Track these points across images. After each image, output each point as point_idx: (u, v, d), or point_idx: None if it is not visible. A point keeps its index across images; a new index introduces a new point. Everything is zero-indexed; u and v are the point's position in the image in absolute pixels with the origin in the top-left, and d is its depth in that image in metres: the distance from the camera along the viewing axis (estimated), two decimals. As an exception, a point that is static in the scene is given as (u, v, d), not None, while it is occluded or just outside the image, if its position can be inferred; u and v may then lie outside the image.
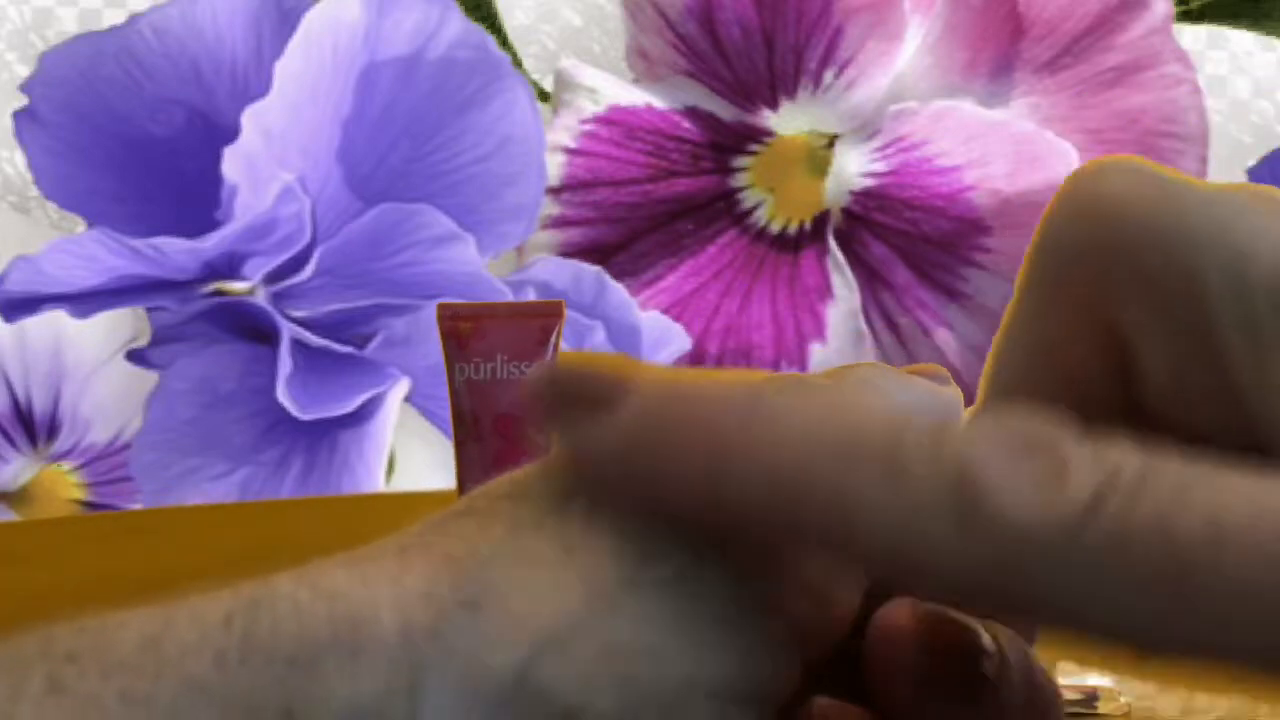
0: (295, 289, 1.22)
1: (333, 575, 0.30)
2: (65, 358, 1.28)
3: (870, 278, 1.33)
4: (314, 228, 1.20)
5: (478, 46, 1.22)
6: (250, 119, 1.17)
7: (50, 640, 0.30)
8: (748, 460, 0.26)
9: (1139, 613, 0.24)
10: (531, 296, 1.21)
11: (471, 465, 0.68)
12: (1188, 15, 1.38)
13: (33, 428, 1.28)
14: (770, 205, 1.34)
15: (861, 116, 1.31)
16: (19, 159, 1.24)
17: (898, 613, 0.32)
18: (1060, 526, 0.24)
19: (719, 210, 1.34)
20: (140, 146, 1.22)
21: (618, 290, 1.25)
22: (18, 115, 1.22)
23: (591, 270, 1.26)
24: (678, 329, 1.28)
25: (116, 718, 0.27)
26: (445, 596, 0.28)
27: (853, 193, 1.32)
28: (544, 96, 1.31)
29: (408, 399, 1.24)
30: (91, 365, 1.28)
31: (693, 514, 0.28)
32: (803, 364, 1.33)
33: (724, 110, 1.32)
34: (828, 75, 1.30)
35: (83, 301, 1.19)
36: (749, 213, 1.34)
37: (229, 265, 1.20)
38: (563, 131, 1.30)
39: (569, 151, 1.30)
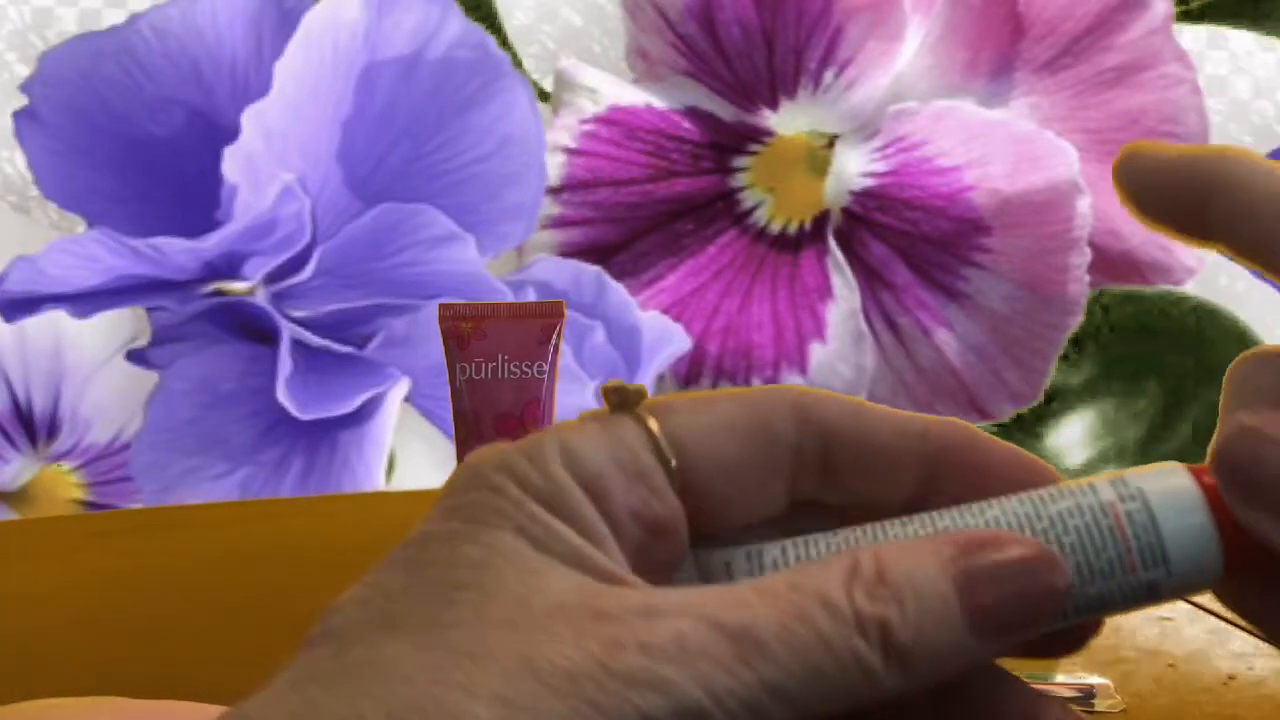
0: (295, 289, 1.22)
1: None
2: (65, 358, 1.28)
3: (870, 278, 1.33)
4: (314, 228, 1.20)
5: (478, 46, 1.22)
6: (250, 119, 1.17)
7: None
8: None
9: None
10: (531, 296, 1.21)
11: (471, 465, 0.69)
12: (1188, 15, 1.38)
13: (33, 428, 1.28)
14: (770, 205, 1.34)
15: (861, 116, 1.31)
16: (19, 159, 1.24)
17: None
18: None
19: (719, 210, 1.34)
20: (140, 146, 1.22)
21: (618, 290, 1.25)
22: (18, 115, 1.22)
23: (591, 270, 1.26)
24: (678, 329, 1.28)
25: None
26: None
27: (853, 193, 1.32)
28: (544, 96, 1.31)
29: (408, 399, 1.24)
30: (91, 365, 1.28)
31: None
32: (803, 364, 1.33)
33: (724, 110, 1.32)
34: (828, 75, 1.30)
35: (83, 301, 1.19)
36: (749, 213, 1.34)
37: (229, 265, 1.20)
38: (563, 131, 1.30)
39: (569, 151, 1.30)
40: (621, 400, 0.37)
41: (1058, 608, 0.34)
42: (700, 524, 0.37)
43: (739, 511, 0.38)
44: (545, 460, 0.35)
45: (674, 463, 0.36)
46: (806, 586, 0.34)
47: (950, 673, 0.34)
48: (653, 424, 0.37)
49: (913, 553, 0.34)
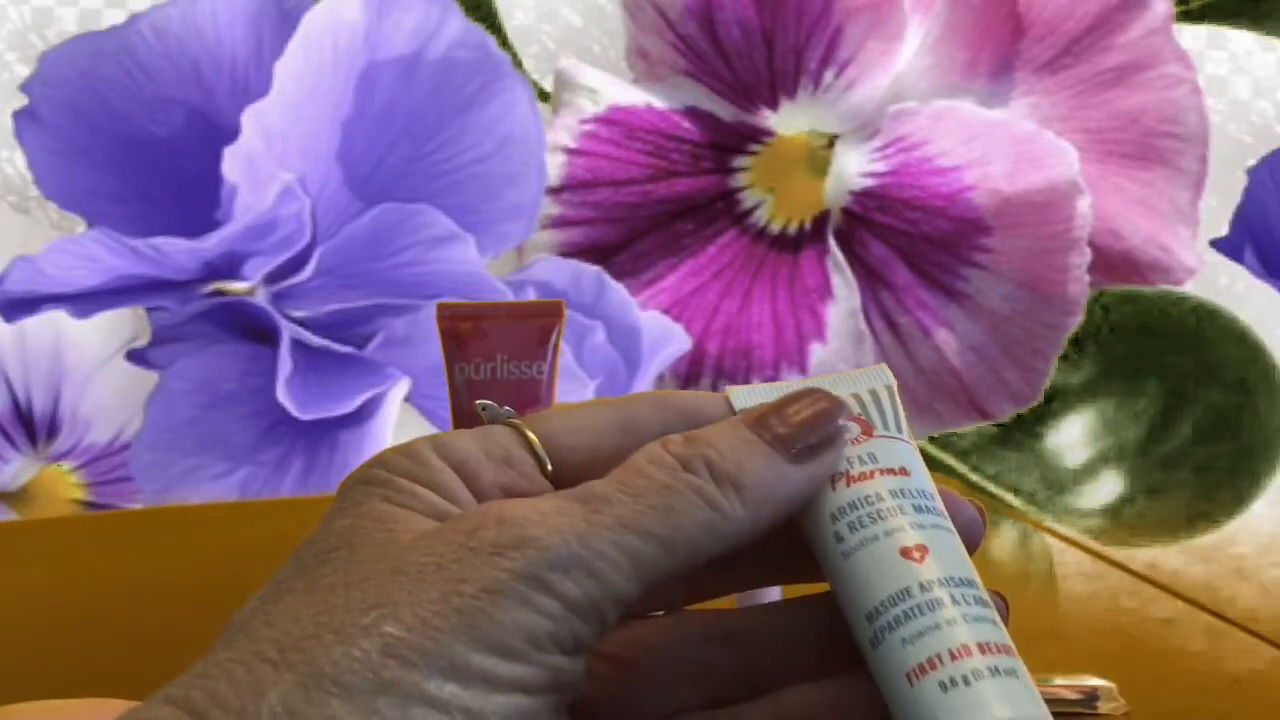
0: (295, 289, 1.22)
1: None
2: (65, 358, 1.28)
3: (870, 278, 1.33)
4: (314, 228, 1.20)
5: (478, 46, 1.22)
6: (250, 119, 1.17)
7: None
8: None
9: None
10: (531, 296, 1.21)
11: (472, 465, 0.68)
12: (1188, 15, 1.38)
13: (33, 428, 1.28)
14: (770, 205, 1.34)
15: (861, 116, 1.31)
16: (19, 159, 1.24)
17: None
18: None
19: (719, 210, 1.34)
20: (140, 146, 1.22)
21: (618, 290, 1.25)
22: (18, 115, 1.22)
23: (591, 270, 1.26)
24: (678, 329, 1.28)
25: None
26: None
27: (853, 193, 1.32)
28: (544, 96, 1.31)
29: (408, 399, 1.24)
30: (91, 365, 1.28)
31: None
32: (803, 364, 1.33)
33: (724, 110, 1.32)
34: (828, 75, 1.30)
35: (83, 301, 1.19)
36: (749, 213, 1.34)
37: (229, 265, 1.20)
38: (563, 131, 1.30)
39: (569, 151, 1.30)
40: (492, 416, 0.40)
41: (838, 416, 0.39)
42: None
43: None
44: (415, 449, 0.37)
45: (543, 456, 0.38)
46: (630, 460, 0.37)
47: (785, 499, 0.38)
48: (522, 426, 0.39)
49: (708, 426, 0.39)
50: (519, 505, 0.36)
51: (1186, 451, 1.42)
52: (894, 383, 0.41)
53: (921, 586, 0.37)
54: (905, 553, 0.38)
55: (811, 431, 0.39)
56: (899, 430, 0.41)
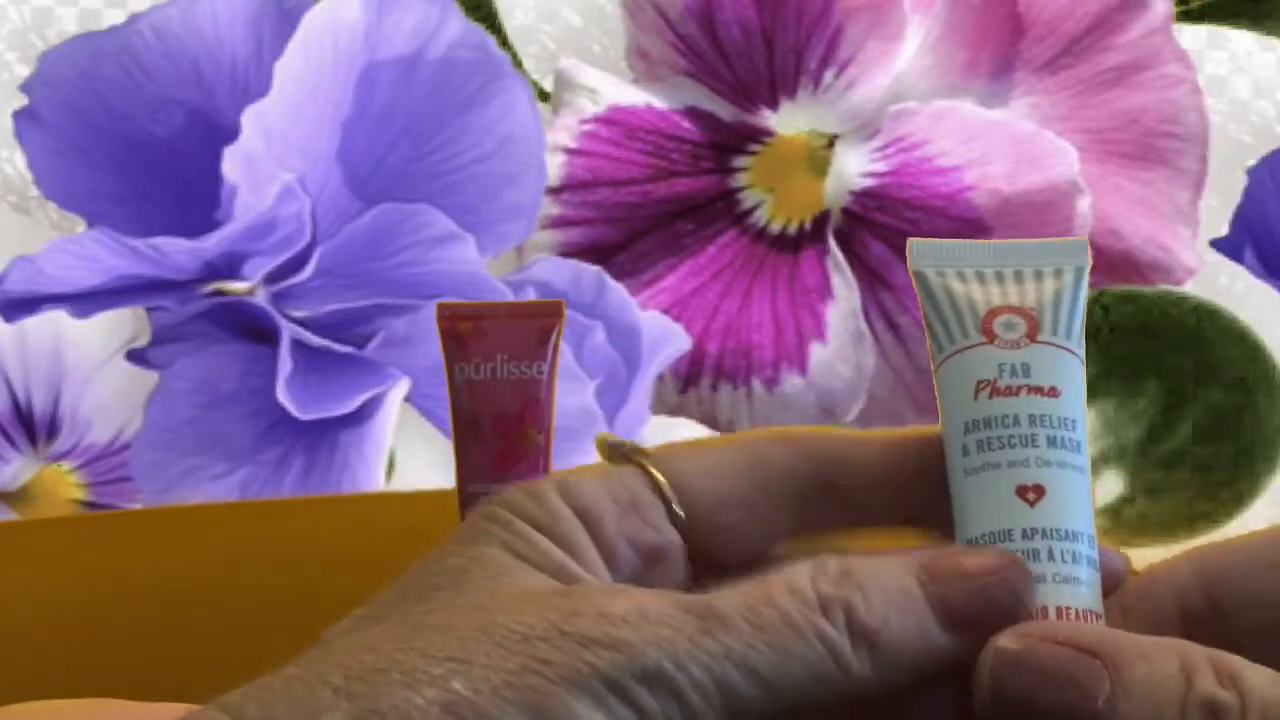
0: (295, 289, 1.22)
1: None
2: (65, 358, 1.28)
3: (870, 278, 1.33)
4: (314, 228, 1.20)
5: (478, 46, 1.22)
6: (250, 119, 1.17)
7: None
8: None
9: None
10: (531, 296, 1.21)
11: (471, 465, 0.69)
12: (1188, 15, 1.38)
13: (33, 428, 1.29)
14: (770, 205, 1.34)
15: (861, 116, 1.31)
16: (19, 159, 1.24)
17: None
18: None
19: (719, 210, 1.34)
20: (140, 146, 1.22)
21: (618, 290, 1.25)
22: (18, 115, 1.22)
23: (591, 270, 1.26)
24: (678, 329, 1.28)
25: None
26: None
27: (853, 193, 1.32)
28: (544, 96, 1.31)
29: (408, 399, 1.24)
30: (91, 365, 1.28)
31: None
32: (803, 364, 1.33)
33: (724, 110, 1.32)
34: (828, 75, 1.30)
35: (83, 301, 1.19)
36: (749, 213, 1.34)
37: (229, 265, 1.20)
38: (563, 131, 1.30)
39: (569, 151, 1.30)
40: (617, 452, 0.38)
41: (1021, 605, 0.35)
42: (710, 556, 0.38)
43: (747, 542, 0.38)
44: (541, 491, 0.36)
45: (671, 497, 0.37)
46: (771, 578, 0.34)
47: (923, 667, 0.35)
48: (649, 466, 0.37)
49: (877, 555, 0.35)
50: (626, 601, 0.34)
51: (1186, 451, 1.42)
52: (1084, 266, 0.38)
53: (1024, 533, 0.35)
54: (1021, 491, 0.36)
55: (987, 607, 0.35)
56: (1069, 335, 0.38)
